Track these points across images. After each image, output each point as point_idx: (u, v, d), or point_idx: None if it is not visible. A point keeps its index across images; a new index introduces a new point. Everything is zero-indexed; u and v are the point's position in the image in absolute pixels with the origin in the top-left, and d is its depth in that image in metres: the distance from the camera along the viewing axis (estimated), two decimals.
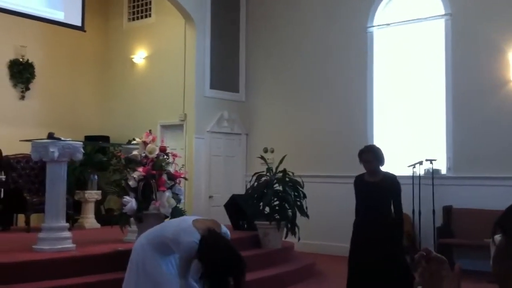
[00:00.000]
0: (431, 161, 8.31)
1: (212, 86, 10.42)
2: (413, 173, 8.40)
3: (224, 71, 10.74)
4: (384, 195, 5.29)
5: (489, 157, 8.25)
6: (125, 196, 5.49)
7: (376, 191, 5.31)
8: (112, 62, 11.66)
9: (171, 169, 5.84)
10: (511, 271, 1.25)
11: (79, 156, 5.94)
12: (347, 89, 9.72)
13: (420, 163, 8.38)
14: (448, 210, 8.39)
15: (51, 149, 5.59)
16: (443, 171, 8.69)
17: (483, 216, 7.69)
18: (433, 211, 8.15)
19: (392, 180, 5.42)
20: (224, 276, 3.46)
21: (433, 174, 8.36)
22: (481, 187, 8.18)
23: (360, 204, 5.44)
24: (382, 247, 4.93)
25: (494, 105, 8.29)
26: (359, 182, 5.53)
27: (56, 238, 5.64)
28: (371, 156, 5.50)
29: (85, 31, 10.26)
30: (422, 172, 8.50)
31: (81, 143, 6.09)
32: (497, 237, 1.34)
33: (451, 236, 8.18)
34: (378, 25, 9.53)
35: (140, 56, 11.22)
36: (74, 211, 8.47)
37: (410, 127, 9.14)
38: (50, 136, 5.84)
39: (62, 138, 5.88)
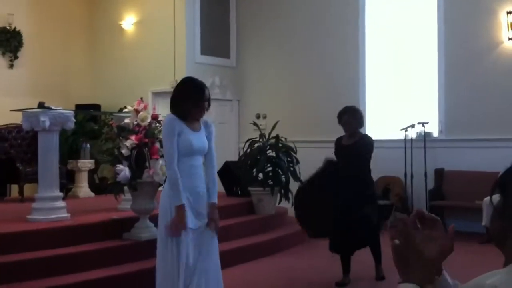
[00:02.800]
0: (423, 124, 8.33)
1: (203, 52, 10.31)
2: (405, 137, 8.42)
3: (215, 37, 10.62)
4: (355, 157, 5.45)
5: (480, 119, 8.28)
6: (118, 165, 5.48)
7: (348, 154, 5.47)
8: (101, 28, 11.48)
9: None
10: (508, 232, 1.26)
11: (71, 125, 5.91)
12: (340, 54, 9.65)
13: (412, 126, 8.40)
14: (440, 173, 8.45)
15: (42, 119, 5.55)
16: (435, 134, 8.72)
17: (474, 178, 7.77)
18: (425, 174, 8.21)
19: (365, 142, 5.51)
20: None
21: (425, 137, 8.39)
22: (472, 150, 8.23)
23: None
24: (353, 207, 5.19)
25: (486, 67, 8.27)
26: (337, 146, 5.72)
27: (50, 208, 5.65)
28: (350, 117, 5.56)
29: None
30: (414, 136, 8.53)
31: (72, 112, 6.05)
32: (496, 197, 1.34)
33: (442, 198, 8.27)
34: None
35: (129, 22, 11.04)
36: (67, 181, 8.47)
37: (402, 91, 9.12)
38: (41, 105, 5.79)
39: (53, 107, 5.84)
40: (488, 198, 1.35)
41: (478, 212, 7.04)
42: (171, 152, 3.70)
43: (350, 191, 5.22)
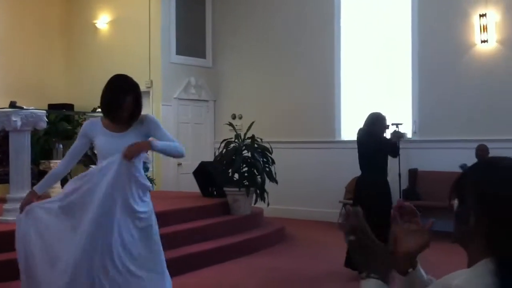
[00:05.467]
0: (397, 125, 8.38)
1: (179, 52, 10.26)
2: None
3: (191, 37, 10.57)
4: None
5: (453, 121, 8.40)
6: (91, 165, 5.41)
7: None
8: (75, 27, 11.33)
9: None
10: (469, 235, 1.27)
11: (43, 125, 5.82)
12: (315, 55, 9.69)
13: (387, 127, 8.45)
14: (413, 173, 8.55)
15: (14, 118, 5.46)
16: (409, 135, 8.81)
17: (448, 178, 7.83)
18: (399, 174, 8.29)
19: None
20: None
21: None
22: (445, 150, 8.35)
23: None
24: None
25: (459, 69, 8.39)
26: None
27: None
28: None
29: None
30: (388, 136, 8.59)
31: (45, 111, 5.96)
32: (455, 201, 1.36)
33: (417, 198, 8.34)
34: None
35: (103, 21, 10.92)
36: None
37: (377, 92, 9.20)
38: (12, 104, 5.70)
39: (25, 107, 5.75)
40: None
41: (451, 211, 7.12)
42: (69, 150, 3.59)
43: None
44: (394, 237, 1.40)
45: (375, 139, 5.66)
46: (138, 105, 3.47)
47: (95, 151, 4.75)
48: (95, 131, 3.48)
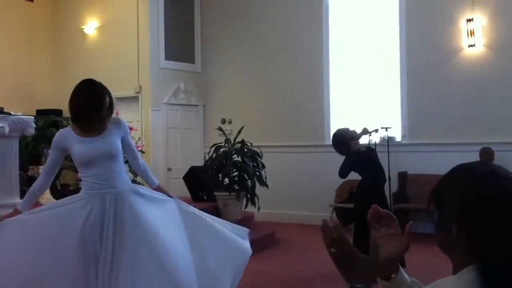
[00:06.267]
0: (386, 129, 8.42)
1: (167, 57, 10.24)
2: (369, 141, 8.50)
3: (179, 42, 10.56)
4: None
5: (441, 124, 8.46)
6: None
7: None
8: (63, 33, 11.28)
9: None
10: (451, 242, 1.27)
11: (31, 131, 5.78)
12: (304, 59, 9.72)
13: (376, 131, 8.46)
14: (403, 176, 8.58)
15: (1, 124, 5.42)
16: (398, 138, 8.86)
17: (436, 181, 7.90)
18: (389, 177, 8.30)
19: None
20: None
21: (388, 141, 8.51)
22: (434, 153, 8.39)
23: None
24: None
25: (447, 73, 8.45)
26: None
27: None
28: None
29: (32, 1, 9.87)
30: (377, 140, 8.63)
31: (32, 117, 5.92)
32: (432, 211, 1.35)
33: (406, 201, 8.39)
34: None
35: (91, 26, 10.89)
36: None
37: (366, 96, 9.24)
38: (0, 110, 5.64)
39: (12, 113, 5.70)
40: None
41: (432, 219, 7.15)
42: (45, 166, 3.57)
43: None
44: (374, 243, 1.41)
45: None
46: (111, 108, 3.46)
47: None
48: (69, 141, 3.40)
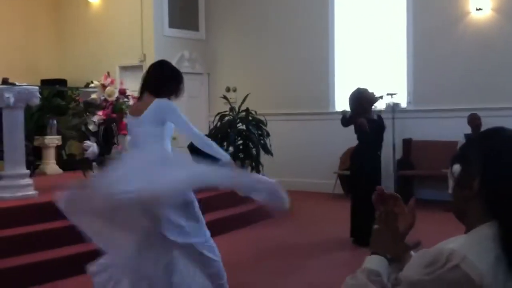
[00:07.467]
0: (391, 95, 8.38)
1: (171, 25, 10.15)
2: (374, 107, 8.47)
3: (183, 9, 10.45)
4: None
5: (447, 90, 8.39)
6: (85, 141, 5.41)
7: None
8: (66, 2, 11.18)
9: None
10: (469, 201, 1.29)
11: (36, 101, 5.79)
12: (309, 27, 9.61)
13: (381, 97, 8.44)
14: (407, 143, 8.57)
15: (6, 95, 5.42)
16: (403, 104, 8.81)
17: (441, 147, 7.90)
18: (393, 144, 8.31)
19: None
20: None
21: (394, 108, 8.47)
22: (439, 120, 8.36)
23: None
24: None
25: (454, 38, 8.34)
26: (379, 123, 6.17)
27: (17, 185, 5.56)
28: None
29: None
30: (383, 107, 8.60)
31: (37, 87, 5.92)
32: (456, 167, 1.36)
33: (411, 168, 8.39)
34: None
35: None
36: (34, 157, 8.32)
37: (371, 63, 9.16)
38: (4, 81, 5.65)
39: (17, 83, 5.70)
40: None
41: (446, 180, 7.15)
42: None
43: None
44: (381, 222, 1.44)
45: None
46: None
47: (90, 127, 4.70)
48: None
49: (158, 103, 3.59)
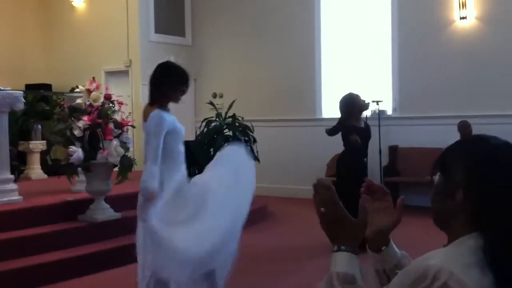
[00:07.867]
0: (377, 102, 8.44)
1: (157, 31, 10.13)
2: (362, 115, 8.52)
3: (169, 14, 10.43)
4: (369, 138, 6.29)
5: (432, 97, 8.47)
6: (71, 146, 5.36)
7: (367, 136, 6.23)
8: (52, 5, 11.10)
9: (118, 117, 5.72)
10: (451, 211, 1.27)
11: (20, 106, 5.74)
12: (295, 33, 9.65)
13: (368, 104, 8.50)
14: (393, 150, 8.62)
15: None
16: (389, 111, 8.87)
17: (427, 154, 7.93)
18: (380, 151, 8.35)
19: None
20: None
21: (379, 115, 8.52)
22: (425, 127, 8.42)
23: None
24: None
25: (439, 46, 8.43)
26: (354, 128, 6.08)
27: (1, 190, 5.51)
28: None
29: None
30: (369, 114, 8.64)
31: (22, 92, 5.87)
32: (437, 176, 1.34)
33: (396, 175, 8.45)
34: None
35: None
36: (19, 162, 8.23)
37: (357, 70, 9.22)
38: None
39: (1, 88, 5.65)
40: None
41: (430, 186, 7.21)
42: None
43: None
44: (363, 206, 1.39)
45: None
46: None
47: (75, 132, 4.66)
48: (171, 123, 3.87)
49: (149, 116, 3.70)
